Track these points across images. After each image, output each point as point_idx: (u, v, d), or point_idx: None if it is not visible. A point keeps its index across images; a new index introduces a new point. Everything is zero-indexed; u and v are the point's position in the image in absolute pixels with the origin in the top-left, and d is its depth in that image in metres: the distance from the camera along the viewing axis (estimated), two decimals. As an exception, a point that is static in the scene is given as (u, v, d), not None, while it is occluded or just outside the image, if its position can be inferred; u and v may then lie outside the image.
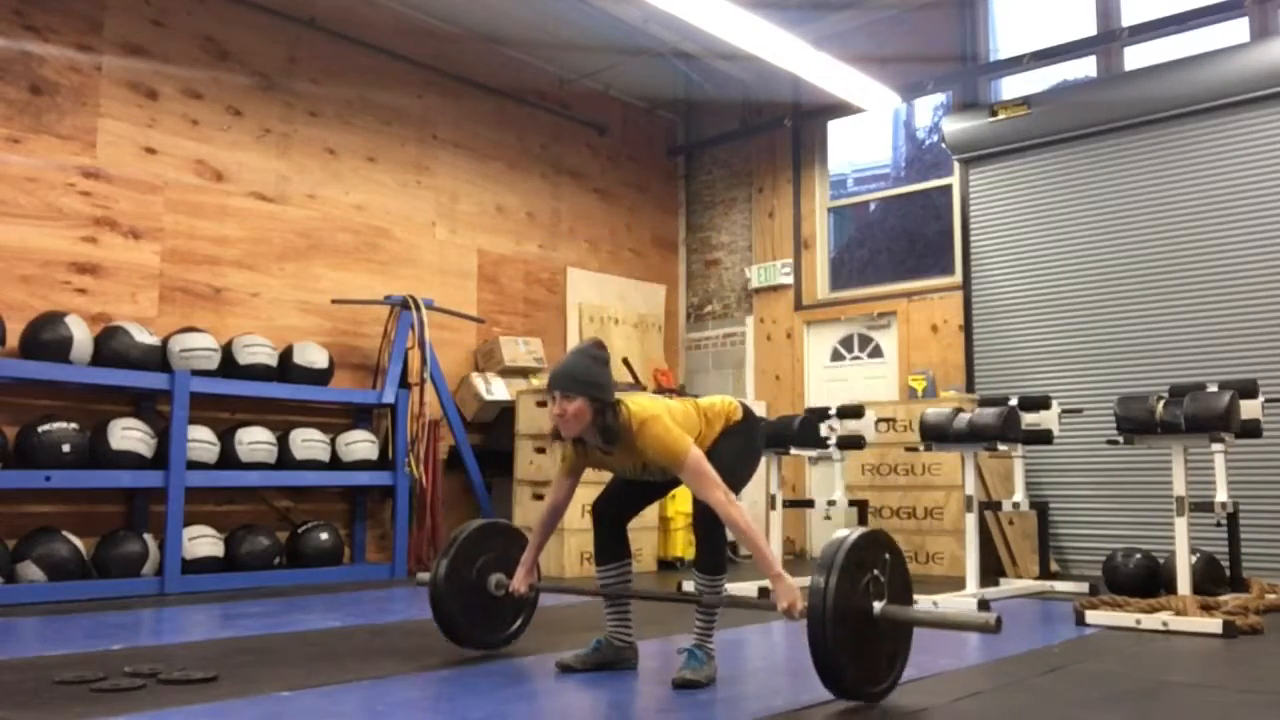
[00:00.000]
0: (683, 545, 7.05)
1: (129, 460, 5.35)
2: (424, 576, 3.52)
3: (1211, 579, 5.13)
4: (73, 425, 5.22)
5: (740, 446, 3.26)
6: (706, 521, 3.12)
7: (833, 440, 5.91)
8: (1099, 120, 6.87)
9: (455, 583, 3.42)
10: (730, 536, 3.31)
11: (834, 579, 2.64)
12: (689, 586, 4.57)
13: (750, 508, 7.88)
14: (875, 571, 2.76)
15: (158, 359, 5.57)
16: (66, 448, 5.15)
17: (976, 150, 7.42)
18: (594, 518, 3.33)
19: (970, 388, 7.29)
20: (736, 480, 3.17)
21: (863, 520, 6.49)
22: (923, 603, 4.96)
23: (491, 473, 7.09)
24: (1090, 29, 7.11)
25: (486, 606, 3.50)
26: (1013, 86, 7.63)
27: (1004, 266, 7.33)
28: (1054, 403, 5.76)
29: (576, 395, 2.98)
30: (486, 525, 3.59)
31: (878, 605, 2.74)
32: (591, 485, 6.62)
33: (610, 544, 3.31)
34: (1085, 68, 7.35)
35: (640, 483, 3.31)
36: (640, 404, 3.08)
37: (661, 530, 7.07)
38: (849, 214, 8.69)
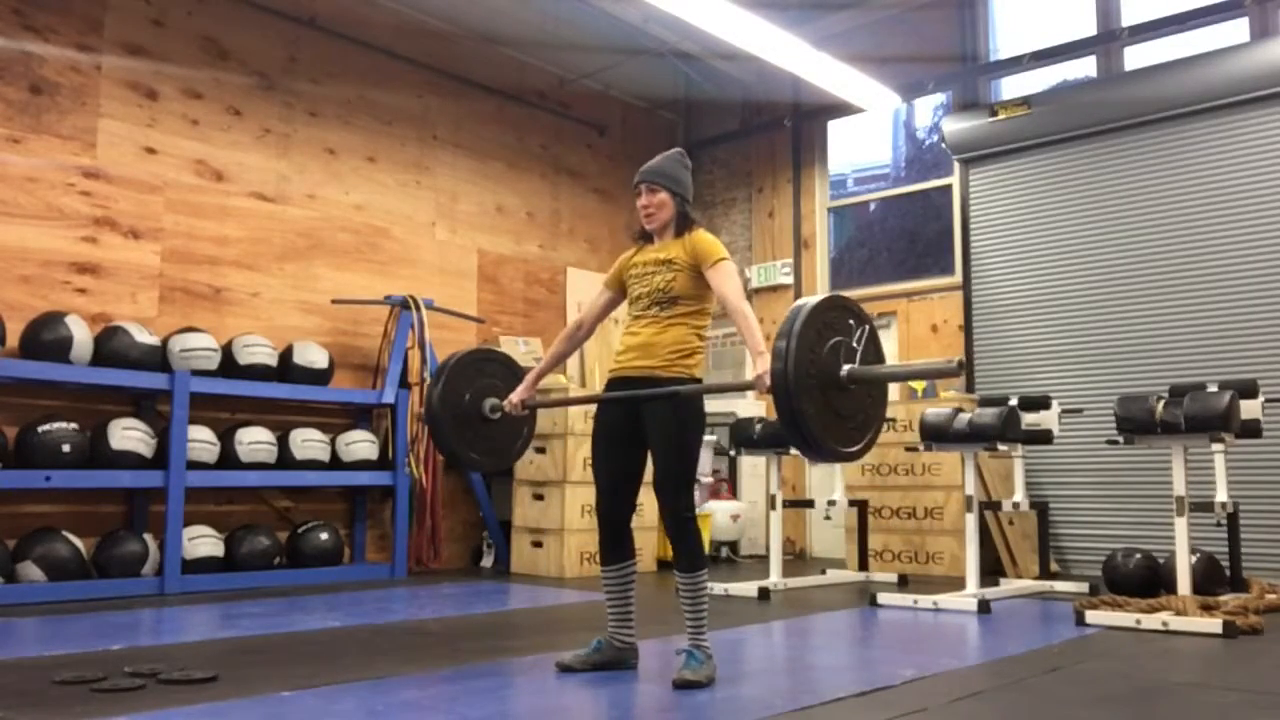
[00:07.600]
0: (683, 545, 7.05)
1: (129, 460, 5.35)
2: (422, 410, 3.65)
3: (1211, 579, 5.13)
4: (73, 425, 5.22)
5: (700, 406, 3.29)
6: (677, 524, 3.20)
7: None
8: (1099, 120, 6.86)
9: (450, 408, 3.53)
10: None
11: (794, 343, 2.68)
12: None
13: (750, 508, 7.92)
14: (843, 337, 2.79)
15: (158, 359, 5.57)
16: (66, 448, 5.15)
17: (976, 150, 7.42)
18: (598, 520, 3.36)
19: (970, 388, 7.29)
20: (699, 438, 3.25)
21: (863, 522, 6.50)
22: (922, 602, 4.99)
23: (491, 473, 7.08)
24: (1090, 29, 7.11)
25: (483, 430, 3.63)
26: (1013, 86, 7.63)
27: (1004, 266, 7.33)
28: (1054, 403, 5.76)
29: (662, 188, 3.35)
30: (477, 351, 3.71)
31: (845, 367, 2.78)
32: (591, 485, 6.61)
33: (614, 545, 3.34)
34: (1085, 68, 7.35)
35: (626, 461, 3.32)
36: None
37: (661, 531, 7.07)
38: (849, 214, 8.69)
